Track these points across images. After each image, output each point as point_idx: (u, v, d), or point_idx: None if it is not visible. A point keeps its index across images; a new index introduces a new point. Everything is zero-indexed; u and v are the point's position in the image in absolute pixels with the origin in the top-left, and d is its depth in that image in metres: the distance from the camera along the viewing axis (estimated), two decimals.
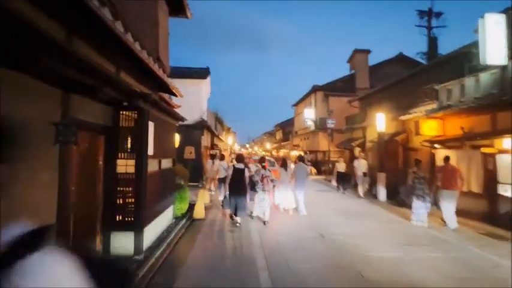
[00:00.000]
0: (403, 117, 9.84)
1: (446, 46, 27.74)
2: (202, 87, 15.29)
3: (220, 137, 22.03)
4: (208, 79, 16.33)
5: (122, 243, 4.17)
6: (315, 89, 22.87)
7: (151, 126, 4.56)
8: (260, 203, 6.82)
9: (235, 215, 6.47)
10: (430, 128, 8.45)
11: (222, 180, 9.19)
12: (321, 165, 20.97)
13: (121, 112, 4.22)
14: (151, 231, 4.79)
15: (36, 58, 2.28)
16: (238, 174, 6.52)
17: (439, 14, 17.30)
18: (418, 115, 9.01)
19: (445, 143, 8.03)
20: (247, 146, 66.80)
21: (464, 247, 5.12)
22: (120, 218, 4.22)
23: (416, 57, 18.82)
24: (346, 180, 11.46)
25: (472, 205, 7.09)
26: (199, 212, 6.97)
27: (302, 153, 19.83)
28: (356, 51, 21.55)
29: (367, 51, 21.54)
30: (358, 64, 21.52)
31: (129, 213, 4.25)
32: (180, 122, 7.09)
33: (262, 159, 8.37)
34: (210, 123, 16.17)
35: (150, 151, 4.55)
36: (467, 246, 5.16)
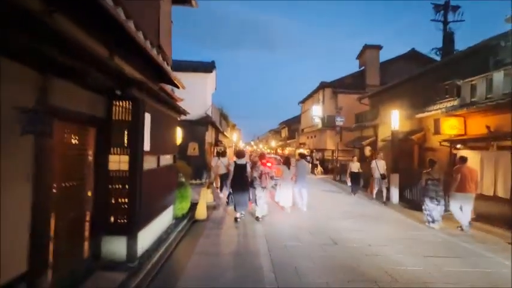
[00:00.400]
0: (420, 115, 9.23)
1: (459, 42, 26.76)
2: (208, 82, 14.79)
3: (225, 133, 21.57)
4: (214, 73, 15.81)
5: (114, 248, 3.74)
6: (323, 86, 22.18)
7: (148, 118, 4.09)
8: (258, 201, 6.71)
9: (235, 209, 6.50)
10: (451, 126, 7.83)
11: (223, 177, 8.89)
12: (328, 164, 20.41)
13: (114, 102, 3.77)
14: (148, 234, 4.34)
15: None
16: (239, 170, 6.53)
17: (456, 8, 16.46)
18: (437, 113, 8.39)
19: (468, 142, 7.42)
20: (252, 143, 66.31)
21: (495, 260, 4.56)
22: (112, 220, 3.79)
23: (430, 53, 18.04)
24: (358, 180, 10.86)
25: (497, 211, 6.50)
26: (201, 213, 6.52)
27: (307, 152, 19.25)
28: (366, 47, 20.83)
29: (378, 47, 20.83)
30: (368, 60, 20.81)
31: (122, 215, 3.82)
32: (183, 117, 6.65)
33: (262, 156, 8.25)
34: (214, 119, 15.67)
35: (147, 146, 4.09)
36: (498, 259, 4.60)
